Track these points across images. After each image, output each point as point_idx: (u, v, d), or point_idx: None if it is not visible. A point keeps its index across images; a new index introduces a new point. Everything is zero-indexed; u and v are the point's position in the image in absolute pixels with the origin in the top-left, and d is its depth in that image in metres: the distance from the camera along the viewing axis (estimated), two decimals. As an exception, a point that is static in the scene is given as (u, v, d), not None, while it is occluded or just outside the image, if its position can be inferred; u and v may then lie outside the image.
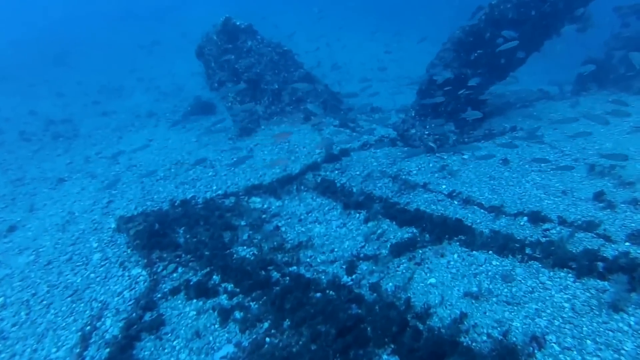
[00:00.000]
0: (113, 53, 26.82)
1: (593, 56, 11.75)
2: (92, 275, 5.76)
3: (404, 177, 7.54)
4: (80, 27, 33.15)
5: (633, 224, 5.64)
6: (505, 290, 4.55)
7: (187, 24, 29.56)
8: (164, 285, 5.13)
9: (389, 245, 5.61)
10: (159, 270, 5.41)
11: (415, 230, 5.84)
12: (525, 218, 5.97)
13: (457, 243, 5.47)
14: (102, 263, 5.94)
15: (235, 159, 9.32)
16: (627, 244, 5.24)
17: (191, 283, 5.13)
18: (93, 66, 24.46)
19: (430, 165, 7.93)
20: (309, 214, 6.61)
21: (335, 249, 5.76)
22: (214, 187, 8.06)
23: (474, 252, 5.24)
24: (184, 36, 24.01)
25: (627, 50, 12.64)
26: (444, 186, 7.22)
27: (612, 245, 5.19)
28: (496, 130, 9.44)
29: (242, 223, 6.52)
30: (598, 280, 4.35)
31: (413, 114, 9.43)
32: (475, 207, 6.48)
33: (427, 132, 8.34)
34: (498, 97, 13.03)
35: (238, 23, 11.24)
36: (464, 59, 9.72)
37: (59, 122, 15.49)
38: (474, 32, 9.63)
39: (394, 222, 6.05)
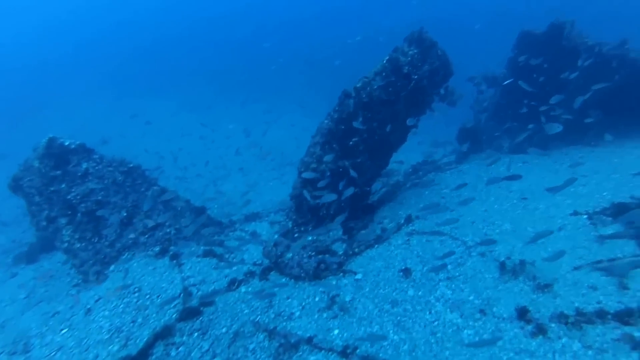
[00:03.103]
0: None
1: (466, 124, 11.54)
2: None
3: (283, 325, 5.70)
4: None
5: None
6: None
7: (50, 128, 26.02)
8: None
9: None
10: None
11: None
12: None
13: None
14: None
15: (65, 330, 6.87)
16: None
17: None
18: None
19: (317, 299, 6.20)
20: None
21: None
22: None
23: None
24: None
25: (488, 113, 13.19)
26: (336, 332, 5.48)
27: None
28: (389, 225, 8.18)
29: None
30: None
31: (291, 225, 7.87)
32: (379, 368, 4.80)
33: (307, 254, 6.68)
34: (386, 175, 12.22)
35: (67, 143, 9.08)
36: (339, 150, 8.59)
37: None
38: (344, 118, 8.64)
39: None
